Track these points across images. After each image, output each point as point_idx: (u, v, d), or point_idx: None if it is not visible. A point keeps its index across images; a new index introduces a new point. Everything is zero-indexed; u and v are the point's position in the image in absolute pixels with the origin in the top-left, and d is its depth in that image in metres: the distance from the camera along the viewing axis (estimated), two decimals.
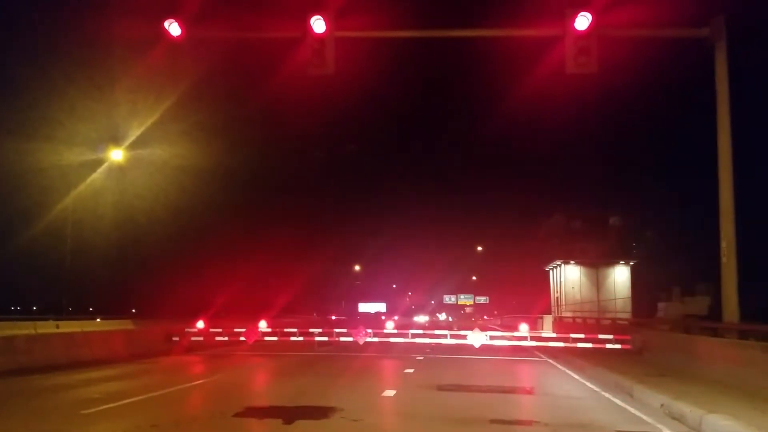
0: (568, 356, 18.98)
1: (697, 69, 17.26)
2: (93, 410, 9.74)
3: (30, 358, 15.17)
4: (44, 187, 31.05)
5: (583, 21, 13.46)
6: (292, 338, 21.68)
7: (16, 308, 42.18)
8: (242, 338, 21.48)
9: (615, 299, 37.39)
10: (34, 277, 44.52)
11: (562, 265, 39.95)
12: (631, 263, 38.70)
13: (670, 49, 17.61)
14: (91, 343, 17.78)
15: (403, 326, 26.44)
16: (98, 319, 23.16)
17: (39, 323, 17.38)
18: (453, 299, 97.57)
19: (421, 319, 75.90)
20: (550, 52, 13.94)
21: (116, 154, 25.15)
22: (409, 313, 74.08)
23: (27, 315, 23.94)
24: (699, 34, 14.89)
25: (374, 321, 36.64)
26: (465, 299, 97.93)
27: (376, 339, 21.37)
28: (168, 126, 28.14)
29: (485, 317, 75.98)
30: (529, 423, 9.01)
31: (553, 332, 28.51)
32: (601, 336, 19.87)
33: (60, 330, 17.54)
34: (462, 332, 21.30)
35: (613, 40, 14.12)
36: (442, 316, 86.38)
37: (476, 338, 20.43)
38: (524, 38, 15.03)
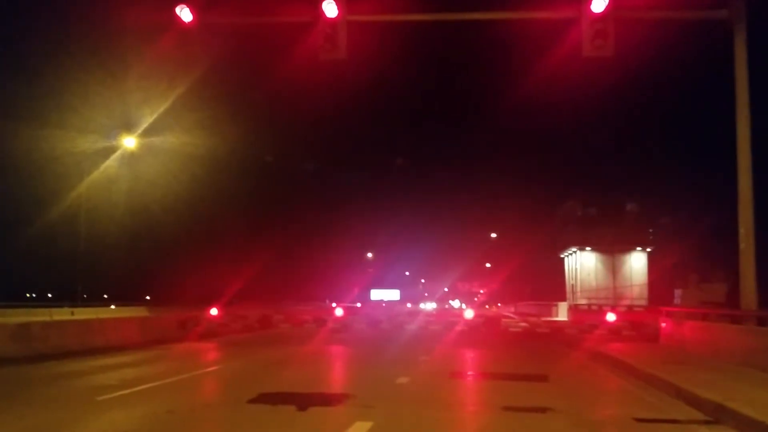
0: (583, 343, 18.86)
1: (716, 52, 16.95)
2: (109, 396, 9.76)
3: (45, 344, 15.28)
4: (58, 174, 31.20)
5: (599, 3, 13.23)
6: (306, 325, 21.74)
7: (31, 295, 42.67)
8: (256, 325, 21.56)
9: (631, 286, 37.07)
10: (50, 264, 44.82)
11: (578, 251, 39.62)
12: (648, 250, 38.25)
13: (688, 31, 17.28)
14: (105, 329, 17.88)
15: (415, 314, 26.47)
16: (113, 306, 23.36)
17: (54, 310, 17.57)
18: (466, 286, 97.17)
19: (429, 306, 74.59)
20: (566, 35, 13.71)
21: (129, 142, 25.22)
22: (422, 301, 73.59)
23: (42, 302, 24.14)
24: (718, 16, 14.58)
25: (387, 309, 36.69)
26: (478, 286, 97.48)
27: (389, 326, 21.35)
28: (181, 113, 28.13)
29: (499, 304, 75.69)
30: (542, 410, 8.92)
31: (569, 319, 28.39)
32: (616, 323, 19.77)
33: (75, 317, 17.72)
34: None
35: (630, 23, 13.87)
36: (456, 303, 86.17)
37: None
38: (540, 21, 14.80)
